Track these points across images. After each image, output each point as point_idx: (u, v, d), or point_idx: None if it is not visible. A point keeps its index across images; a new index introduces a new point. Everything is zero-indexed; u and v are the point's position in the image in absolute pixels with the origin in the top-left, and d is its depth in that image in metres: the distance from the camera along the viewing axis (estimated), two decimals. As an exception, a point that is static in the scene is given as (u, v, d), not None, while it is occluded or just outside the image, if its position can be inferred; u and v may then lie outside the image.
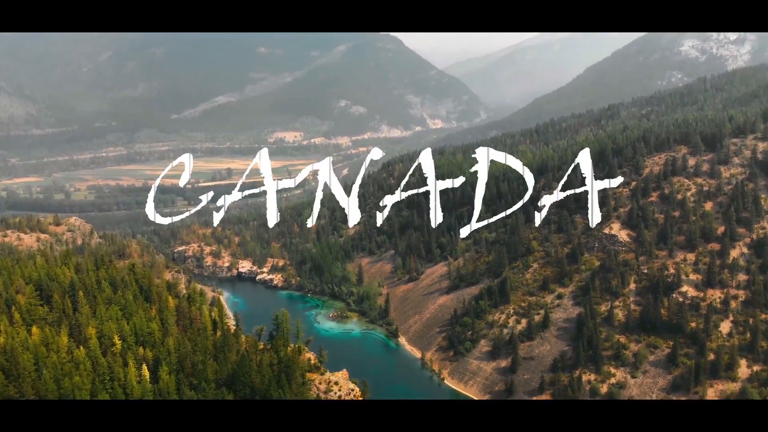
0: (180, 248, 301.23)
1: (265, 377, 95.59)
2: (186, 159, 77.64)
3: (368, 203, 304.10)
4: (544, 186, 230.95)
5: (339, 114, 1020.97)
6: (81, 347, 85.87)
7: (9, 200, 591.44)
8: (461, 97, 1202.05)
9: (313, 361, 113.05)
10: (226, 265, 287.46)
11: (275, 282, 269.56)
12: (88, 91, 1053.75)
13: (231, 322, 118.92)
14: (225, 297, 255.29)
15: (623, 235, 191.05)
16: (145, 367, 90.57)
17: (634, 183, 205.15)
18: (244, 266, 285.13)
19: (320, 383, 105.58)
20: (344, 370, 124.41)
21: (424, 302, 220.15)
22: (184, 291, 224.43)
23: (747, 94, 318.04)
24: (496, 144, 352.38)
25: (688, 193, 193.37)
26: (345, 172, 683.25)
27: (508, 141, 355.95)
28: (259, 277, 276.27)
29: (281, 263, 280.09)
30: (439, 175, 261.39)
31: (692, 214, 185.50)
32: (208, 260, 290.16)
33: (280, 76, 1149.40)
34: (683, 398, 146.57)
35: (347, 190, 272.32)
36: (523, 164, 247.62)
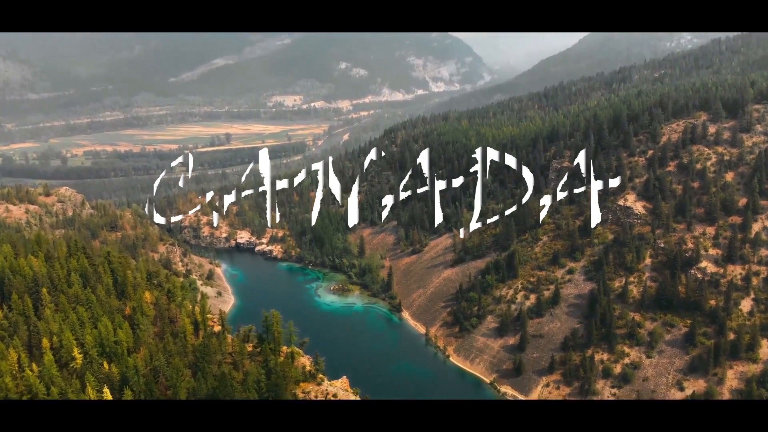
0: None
1: (250, 396, 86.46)
2: (187, 159, 75.49)
3: (370, 171, 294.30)
4: (555, 155, 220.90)
5: (339, 77, 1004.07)
6: (34, 365, 76.06)
7: (4, 167, 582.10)
8: (464, 58, 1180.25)
9: (308, 368, 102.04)
10: (224, 235, 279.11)
11: (275, 253, 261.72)
12: (83, 54, 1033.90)
13: (216, 321, 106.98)
14: (223, 269, 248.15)
15: (639, 207, 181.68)
16: (107, 390, 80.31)
17: (651, 152, 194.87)
18: (243, 237, 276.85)
19: (316, 396, 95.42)
20: (344, 377, 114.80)
21: (428, 275, 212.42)
22: (180, 266, 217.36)
23: (765, 57, 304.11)
24: (503, 109, 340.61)
25: (708, 163, 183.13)
26: (346, 137, 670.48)
27: (515, 106, 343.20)
28: (258, 248, 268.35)
29: (281, 234, 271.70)
30: (444, 143, 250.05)
31: (712, 185, 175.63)
32: (205, 231, 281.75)
33: (278, 37, 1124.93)
34: (701, 380, 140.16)
35: (347, 158, 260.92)
36: (533, 131, 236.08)
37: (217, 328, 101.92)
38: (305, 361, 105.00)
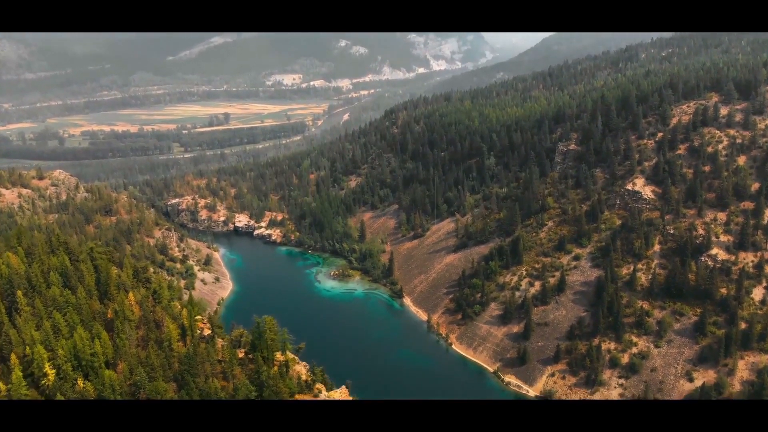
0: (173, 201, 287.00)
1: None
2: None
3: (370, 153, 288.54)
4: (561, 137, 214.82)
5: (339, 55, 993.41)
6: (1, 384, 69.28)
7: (1, 147, 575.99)
8: (466, 36, 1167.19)
9: (304, 377, 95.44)
10: (222, 218, 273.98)
11: (274, 237, 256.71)
12: (80, 32, 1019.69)
13: (205, 323, 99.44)
14: (221, 253, 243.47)
15: (648, 192, 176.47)
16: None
17: (660, 134, 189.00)
18: (241, 220, 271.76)
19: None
20: (344, 387, 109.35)
21: (430, 261, 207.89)
22: (176, 251, 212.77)
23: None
24: (506, 89, 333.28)
25: (720, 146, 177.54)
26: (346, 117, 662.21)
27: (519, 85, 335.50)
28: (257, 232, 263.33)
29: (280, 217, 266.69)
30: (446, 124, 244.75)
31: (724, 169, 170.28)
32: (203, 214, 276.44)
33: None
34: (711, 371, 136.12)
35: (347, 139, 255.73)
36: (539, 112, 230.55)
37: (207, 332, 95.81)
38: (301, 369, 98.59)
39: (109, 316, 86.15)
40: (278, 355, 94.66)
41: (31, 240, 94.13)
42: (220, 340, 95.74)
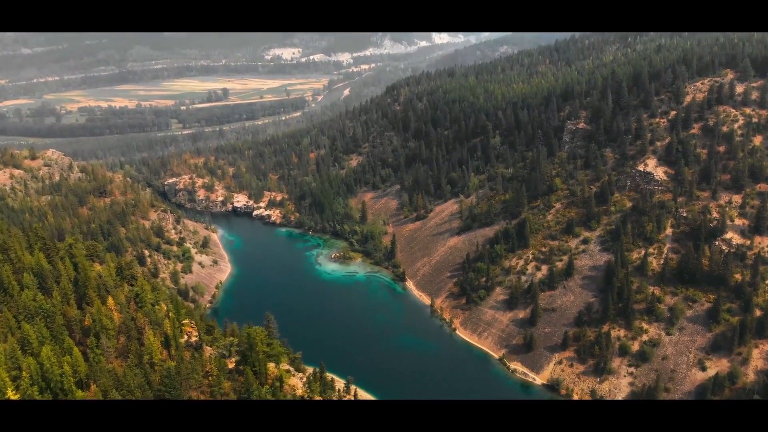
0: (170, 180, 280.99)
1: None
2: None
3: (371, 131, 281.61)
4: (569, 115, 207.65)
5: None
6: None
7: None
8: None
9: (299, 392, 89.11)
10: (220, 199, 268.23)
11: (273, 218, 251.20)
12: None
13: (193, 326, 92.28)
14: (219, 234, 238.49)
15: (660, 173, 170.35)
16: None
17: (673, 112, 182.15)
18: (240, 200, 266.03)
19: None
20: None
21: (433, 243, 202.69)
22: (173, 233, 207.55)
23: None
24: (512, 64, 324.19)
25: (735, 125, 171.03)
26: (346, 92, 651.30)
27: (525, 60, 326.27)
28: (256, 212, 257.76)
29: (279, 197, 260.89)
30: (450, 101, 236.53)
31: (739, 149, 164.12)
32: (201, 194, 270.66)
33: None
34: (724, 359, 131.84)
35: (348, 116, 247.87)
36: (546, 88, 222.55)
37: (195, 338, 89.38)
38: (297, 382, 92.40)
39: (86, 323, 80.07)
40: (271, 367, 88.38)
41: (8, 234, 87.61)
42: (209, 348, 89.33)
